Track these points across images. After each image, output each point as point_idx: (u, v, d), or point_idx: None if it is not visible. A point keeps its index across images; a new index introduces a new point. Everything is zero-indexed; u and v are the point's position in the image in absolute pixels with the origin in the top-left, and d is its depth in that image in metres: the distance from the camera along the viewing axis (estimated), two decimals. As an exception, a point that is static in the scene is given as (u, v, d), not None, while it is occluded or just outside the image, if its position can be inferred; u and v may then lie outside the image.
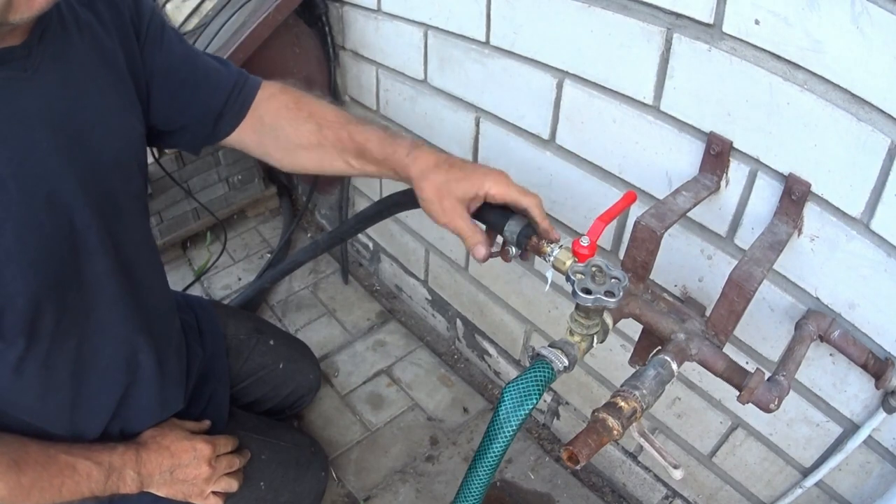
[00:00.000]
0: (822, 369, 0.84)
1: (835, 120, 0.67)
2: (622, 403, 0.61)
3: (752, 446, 1.00)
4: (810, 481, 0.91)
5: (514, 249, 0.78)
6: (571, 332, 0.70)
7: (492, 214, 0.80)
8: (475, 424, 1.49)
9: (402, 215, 1.54)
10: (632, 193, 0.80)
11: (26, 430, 0.79)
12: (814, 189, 0.73)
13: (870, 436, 0.81)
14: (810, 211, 0.75)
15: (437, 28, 1.17)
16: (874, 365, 0.74)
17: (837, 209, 0.72)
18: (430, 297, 1.68)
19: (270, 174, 2.12)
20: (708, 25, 0.75)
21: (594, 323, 0.69)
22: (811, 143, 0.71)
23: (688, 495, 1.20)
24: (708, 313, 0.73)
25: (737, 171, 0.80)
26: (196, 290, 1.85)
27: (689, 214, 0.80)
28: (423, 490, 1.36)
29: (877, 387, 0.76)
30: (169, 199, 1.82)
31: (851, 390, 0.82)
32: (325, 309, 1.80)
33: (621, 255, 1.02)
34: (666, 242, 0.78)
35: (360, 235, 1.86)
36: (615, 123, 0.92)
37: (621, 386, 0.63)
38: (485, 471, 0.67)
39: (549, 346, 0.68)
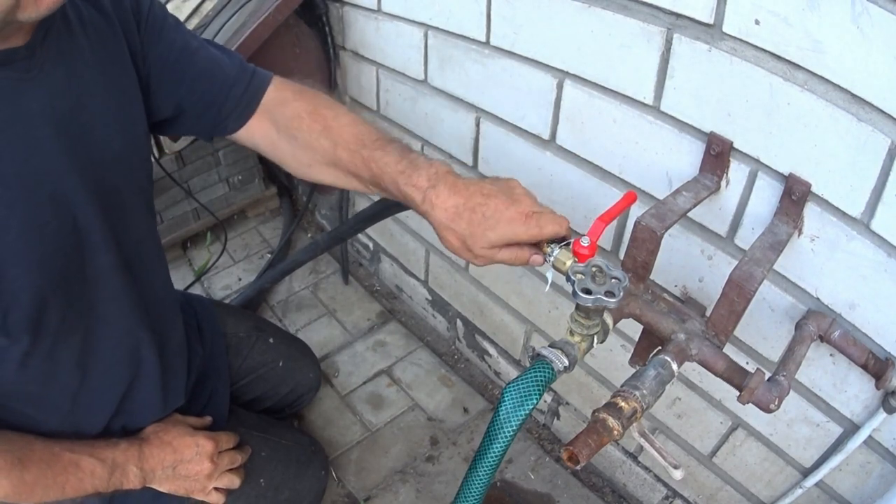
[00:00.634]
0: (823, 369, 0.84)
1: (835, 120, 0.67)
2: (622, 403, 0.61)
3: (752, 446, 1.00)
4: (810, 481, 0.91)
5: None
6: (572, 333, 0.70)
7: None
8: (475, 425, 1.49)
9: (402, 215, 1.54)
10: (632, 194, 0.79)
11: (30, 426, 0.79)
12: (814, 189, 0.73)
13: (870, 436, 0.81)
14: (810, 211, 0.75)
15: (437, 28, 1.17)
16: (874, 365, 0.74)
17: (838, 209, 0.72)
18: (430, 298, 1.68)
19: (270, 174, 2.12)
20: (708, 25, 0.75)
21: (594, 323, 0.69)
22: (811, 144, 0.71)
23: (688, 495, 1.20)
24: (708, 313, 0.73)
25: (737, 172, 0.80)
26: (196, 291, 1.85)
27: (689, 215, 0.80)
28: (423, 490, 1.36)
29: (877, 387, 0.76)
30: (169, 200, 1.83)
31: (852, 390, 0.82)
32: (326, 309, 1.80)
33: (621, 255, 1.02)
34: (666, 243, 0.78)
35: (360, 235, 1.86)
36: (615, 124, 0.92)
37: (621, 386, 0.63)
38: (485, 471, 0.67)
39: (550, 346, 0.68)
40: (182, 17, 1.46)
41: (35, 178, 0.66)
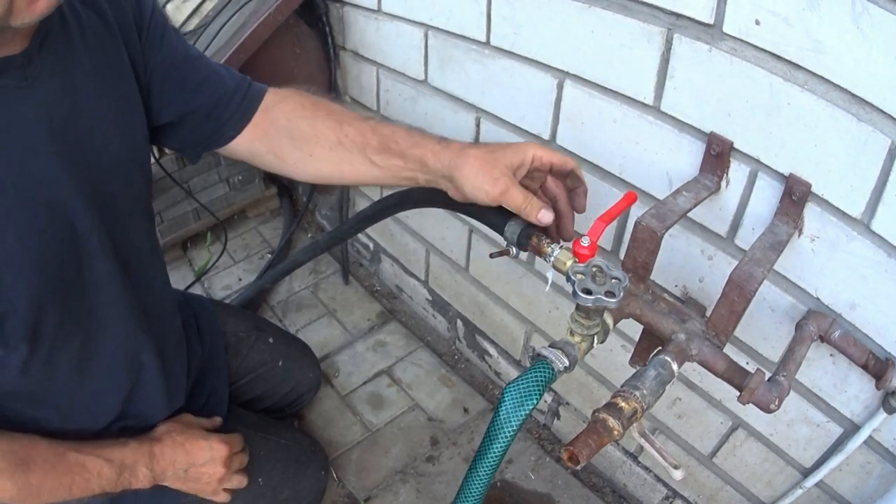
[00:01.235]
0: (823, 370, 0.84)
1: (835, 120, 0.67)
2: (622, 404, 0.61)
3: (752, 447, 1.00)
4: (811, 482, 0.90)
5: (514, 250, 0.79)
6: (572, 333, 0.70)
7: (492, 215, 0.80)
8: (476, 425, 1.49)
9: (402, 215, 1.54)
10: (632, 194, 0.80)
11: (33, 426, 0.79)
12: (814, 189, 0.73)
13: (870, 436, 0.81)
14: (811, 211, 0.74)
15: (437, 28, 1.17)
16: (875, 365, 0.74)
17: (838, 209, 0.72)
18: (430, 298, 1.68)
19: (271, 175, 2.12)
20: (708, 26, 0.75)
21: (595, 323, 0.69)
22: (812, 144, 0.71)
23: (688, 495, 1.20)
24: (708, 314, 0.73)
25: (737, 172, 0.80)
26: (196, 291, 1.85)
27: (689, 215, 0.80)
28: (423, 490, 1.36)
29: (877, 387, 0.76)
30: (169, 200, 1.83)
31: (852, 391, 0.82)
32: (326, 309, 1.80)
33: (622, 255, 1.02)
34: (666, 243, 0.78)
35: (360, 235, 1.86)
36: (615, 124, 0.92)
37: (622, 386, 0.63)
38: (485, 471, 0.67)
39: (550, 346, 0.68)
40: (182, 17, 1.47)
41: (32, 185, 0.66)
